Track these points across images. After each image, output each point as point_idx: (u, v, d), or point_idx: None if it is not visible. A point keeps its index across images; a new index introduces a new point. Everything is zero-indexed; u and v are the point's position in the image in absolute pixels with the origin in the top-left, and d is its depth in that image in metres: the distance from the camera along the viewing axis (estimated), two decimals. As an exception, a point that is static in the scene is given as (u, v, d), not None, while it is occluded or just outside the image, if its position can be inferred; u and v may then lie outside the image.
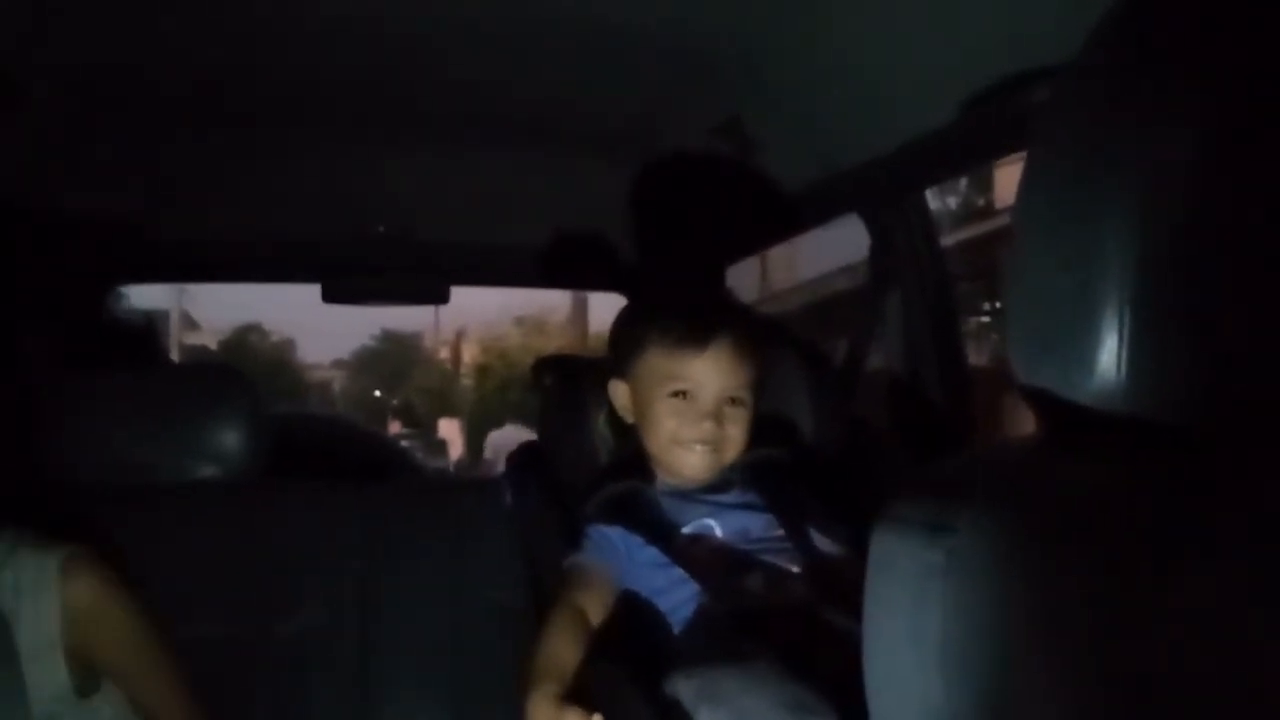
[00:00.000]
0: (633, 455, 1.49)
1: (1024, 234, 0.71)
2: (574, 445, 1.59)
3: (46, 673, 1.24)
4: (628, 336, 1.50)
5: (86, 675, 1.28)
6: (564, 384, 1.62)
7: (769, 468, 1.48)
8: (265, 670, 1.56)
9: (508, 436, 10.75)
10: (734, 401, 1.43)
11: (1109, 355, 0.64)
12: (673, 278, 2.40)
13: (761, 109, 1.82)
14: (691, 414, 1.41)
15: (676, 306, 1.49)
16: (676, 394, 1.42)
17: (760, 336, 1.51)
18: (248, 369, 1.93)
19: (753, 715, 1.03)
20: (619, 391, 1.50)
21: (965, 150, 1.58)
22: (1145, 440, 0.65)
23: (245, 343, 25.03)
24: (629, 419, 1.50)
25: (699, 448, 1.41)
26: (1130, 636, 0.58)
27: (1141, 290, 0.63)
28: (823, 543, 1.39)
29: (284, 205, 2.38)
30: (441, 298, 2.70)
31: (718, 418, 1.41)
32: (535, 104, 1.95)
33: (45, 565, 1.27)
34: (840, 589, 1.27)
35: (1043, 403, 0.68)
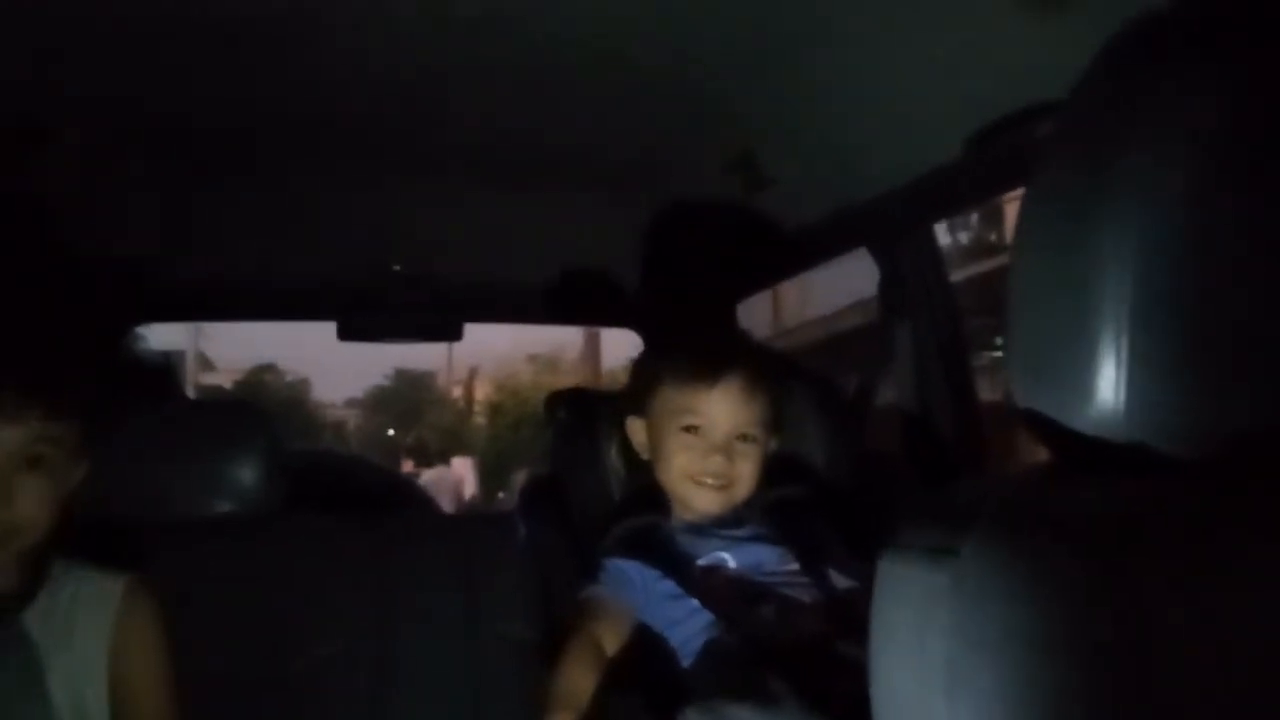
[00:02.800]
0: (648, 490, 1.51)
1: (1023, 263, 0.72)
2: (586, 478, 1.60)
3: (79, 692, 1.25)
4: (643, 373, 1.53)
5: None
6: (576, 417, 1.64)
7: (784, 504, 1.49)
8: (280, 705, 1.55)
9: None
10: (745, 438, 1.45)
11: (1108, 383, 0.65)
12: (683, 313, 2.41)
13: (772, 145, 1.83)
14: (701, 449, 1.43)
15: (690, 344, 1.52)
16: (688, 429, 1.44)
17: (773, 373, 1.52)
18: (264, 408, 1.94)
19: None
20: (636, 428, 1.53)
21: (973, 185, 1.59)
22: (1145, 467, 0.66)
23: (261, 382, 25.09)
24: (645, 455, 1.52)
25: (710, 482, 1.43)
26: (1135, 657, 0.59)
27: (1140, 319, 0.64)
28: (838, 577, 1.40)
29: (299, 244, 2.41)
30: (455, 334, 2.72)
31: (728, 453, 1.43)
32: (547, 142, 1.97)
33: (111, 583, 1.31)
34: (855, 622, 1.27)
35: (1043, 430, 0.69)
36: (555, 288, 2.54)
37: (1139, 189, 0.64)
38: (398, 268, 2.51)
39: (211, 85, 1.67)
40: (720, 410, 1.43)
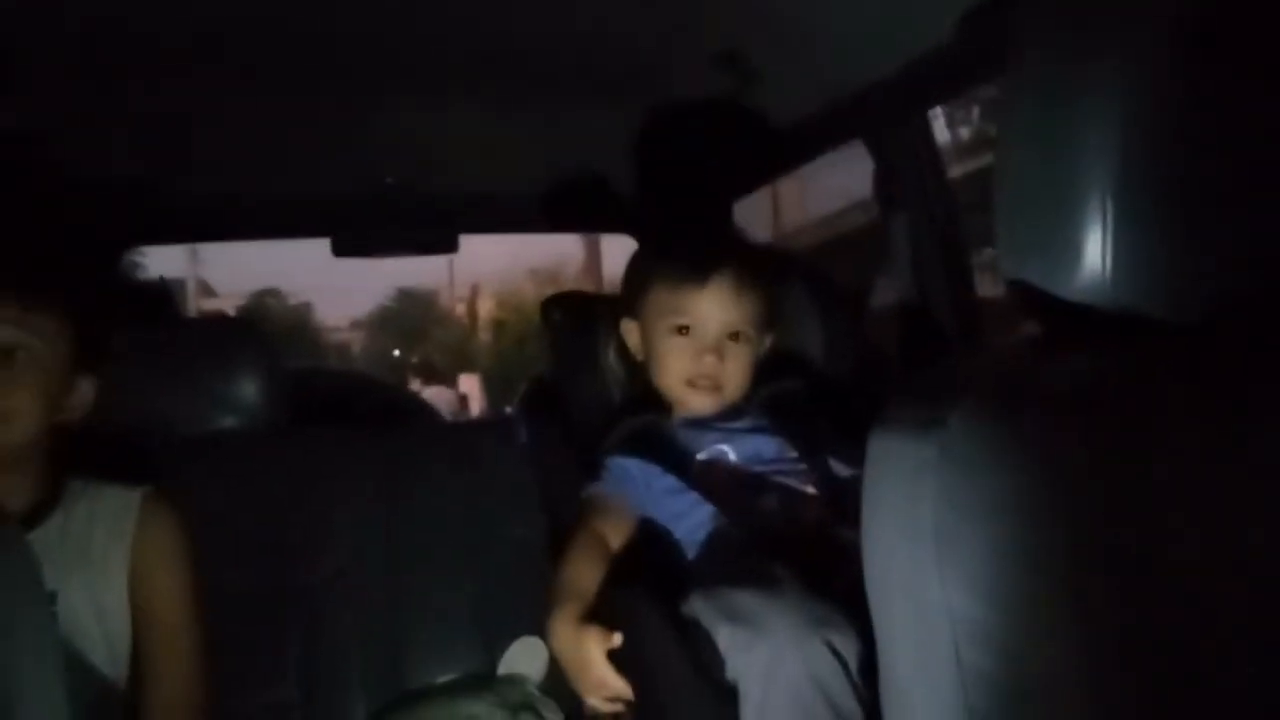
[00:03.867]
0: (647, 389, 1.51)
1: (1008, 134, 0.72)
2: (585, 381, 1.61)
3: (105, 605, 1.28)
4: (635, 276, 1.53)
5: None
6: (573, 321, 1.64)
7: (783, 397, 1.50)
8: (291, 617, 1.58)
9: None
10: (736, 337, 1.45)
11: (1093, 250, 0.65)
12: (679, 216, 2.39)
13: (759, 38, 1.80)
14: (693, 349, 1.43)
15: (680, 244, 1.52)
16: (679, 329, 1.44)
17: (768, 271, 1.52)
18: (267, 332, 1.94)
19: (772, 632, 1.05)
20: (629, 330, 1.53)
21: (967, 68, 1.56)
22: (1132, 332, 0.66)
23: (263, 307, 25.06)
24: (640, 357, 1.52)
25: (703, 383, 1.43)
26: (1122, 518, 0.59)
27: (1123, 183, 0.64)
28: (837, 466, 1.41)
29: (290, 160, 2.39)
30: (450, 246, 2.70)
31: (719, 352, 1.43)
32: (534, 48, 1.94)
33: (128, 498, 1.33)
34: (853, 509, 1.28)
35: (1031, 300, 0.69)
36: (550, 196, 2.52)
37: (1118, 54, 0.63)
38: (390, 180, 2.49)
39: (201, 1, 1.64)
40: (710, 310, 1.44)
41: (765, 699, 1.04)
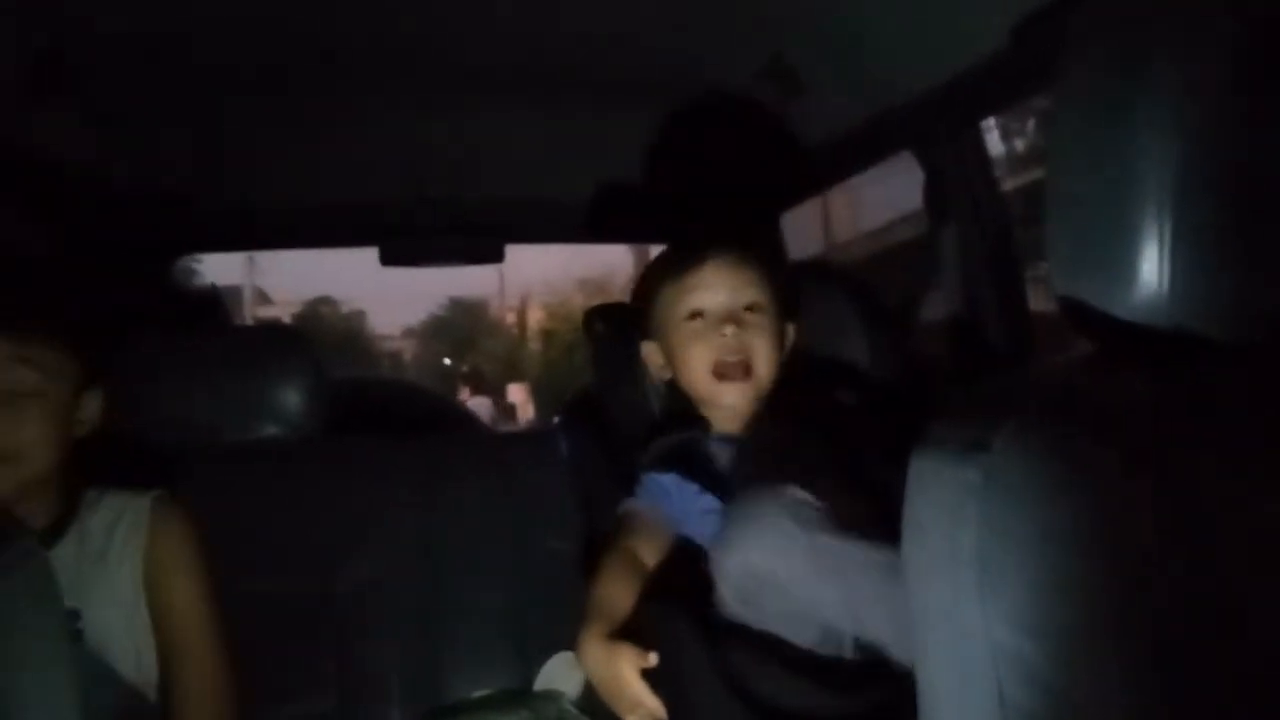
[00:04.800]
0: (687, 404, 1.49)
1: (1060, 147, 0.69)
2: (626, 393, 1.59)
3: (130, 615, 1.28)
4: (641, 291, 1.52)
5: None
6: (615, 332, 1.62)
7: (830, 413, 1.47)
8: (328, 623, 1.59)
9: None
10: (753, 309, 1.42)
11: (1150, 266, 0.62)
12: (723, 227, 2.37)
13: (805, 48, 1.78)
14: (711, 329, 1.41)
15: (672, 244, 1.53)
16: (692, 316, 1.42)
17: (768, 251, 1.51)
18: (321, 340, 1.95)
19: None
20: (650, 351, 1.51)
21: (1020, 77, 1.53)
22: (1189, 352, 0.63)
23: (317, 315, 25.45)
24: (665, 375, 1.50)
25: (730, 370, 1.40)
26: (1175, 549, 0.56)
27: (1183, 199, 0.61)
28: (881, 484, 1.38)
29: (338, 170, 2.40)
30: (496, 256, 2.70)
31: (736, 321, 1.40)
32: (580, 55, 1.94)
33: (139, 506, 1.33)
34: (897, 530, 1.25)
35: (1084, 317, 0.66)
36: (596, 205, 2.51)
37: (1175, 69, 0.61)
38: (436, 191, 2.49)
39: (243, 11, 1.66)
40: (717, 283, 1.42)
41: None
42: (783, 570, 1.07)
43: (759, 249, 1.50)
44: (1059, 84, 0.69)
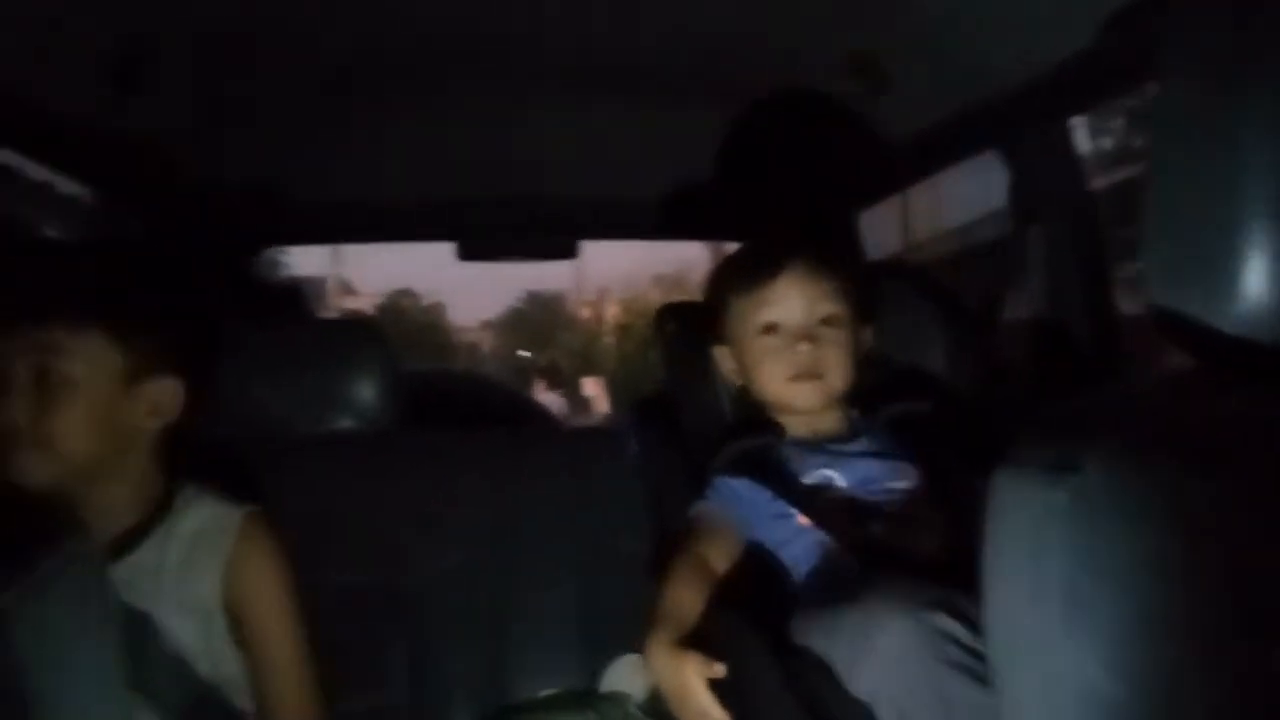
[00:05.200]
0: (759, 410, 1.47)
1: (1159, 155, 0.65)
2: (697, 393, 1.57)
3: (204, 624, 1.28)
4: (713, 297, 1.49)
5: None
6: (686, 332, 1.60)
7: (908, 418, 1.44)
8: (398, 618, 1.59)
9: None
10: (828, 322, 1.39)
11: (1256, 277, 0.58)
12: (799, 227, 2.33)
13: (890, 42, 1.74)
14: (785, 343, 1.38)
15: (743, 249, 1.51)
16: (766, 329, 1.40)
17: (844, 258, 1.46)
18: (401, 331, 1.96)
19: (901, 636, 0.99)
20: (723, 356, 1.49)
21: (1111, 74, 1.47)
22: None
23: (398, 306, 25.85)
24: (738, 382, 1.48)
25: (803, 376, 1.38)
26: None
27: None
28: (963, 495, 1.34)
29: (417, 164, 2.42)
30: (570, 252, 2.70)
31: (812, 338, 1.37)
32: (660, 50, 1.93)
33: (230, 519, 1.31)
34: (977, 544, 1.21)
35: (1181, 330, 0.62)
36: (671, 202, 2.49)
37: None
38: (513, 187, 2.50)
39: (329, 8, 1.67)
40: (791, 295, 1.39)
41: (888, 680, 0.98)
42: (903, 701, 0.99)
43: (835, 251, 1.47)
44: (1160, 79, 0.65)
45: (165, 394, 1.28)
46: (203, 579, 1.28)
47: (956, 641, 0.97)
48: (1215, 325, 0.60)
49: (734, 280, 1.45)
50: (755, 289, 1.41)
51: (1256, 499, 0.54)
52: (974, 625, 0.96)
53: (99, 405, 1.22)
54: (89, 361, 1.21)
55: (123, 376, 1.24)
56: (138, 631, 1.22)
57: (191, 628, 1.26)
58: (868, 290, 1.48)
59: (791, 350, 1.38)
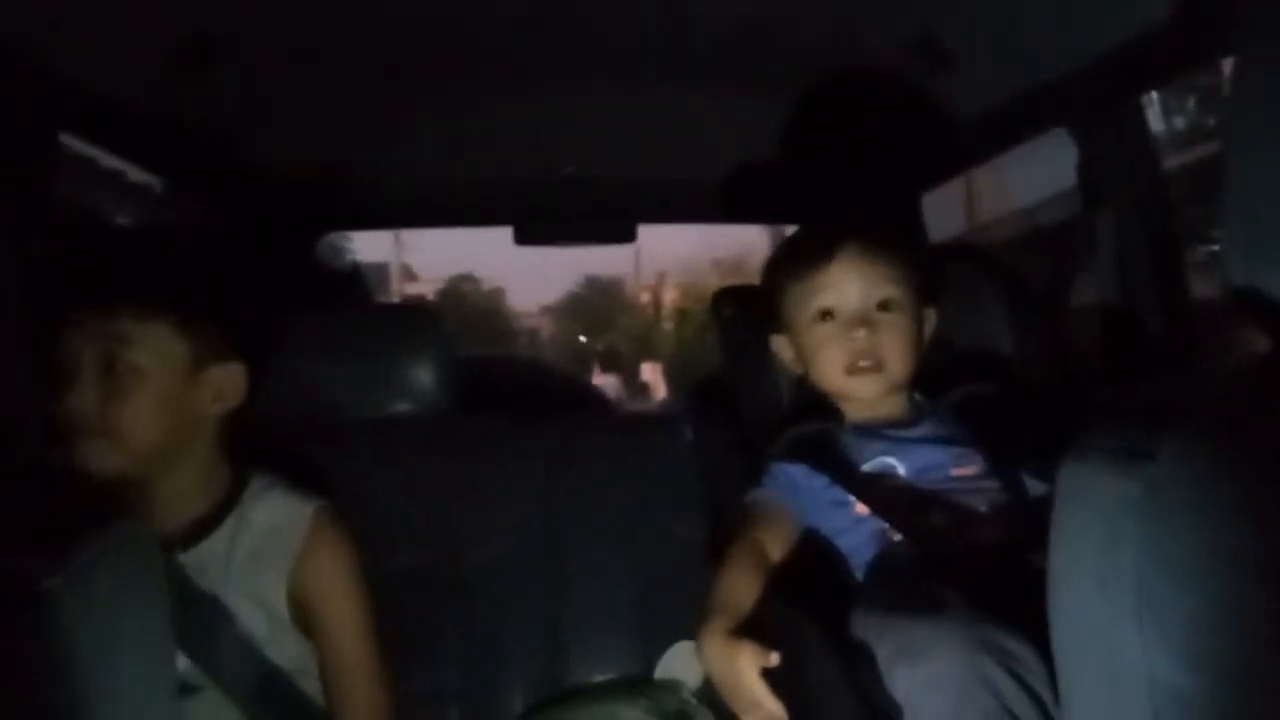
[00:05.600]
0: (818, 396, 1.44)
1: (1242, 123, 0.62)
2: (754, 378, 1.55)
3: (269, 615, 1.29)
4: (769, 284, 1.47)
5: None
6: (743, 316, 1.58)
7: (972, 402, 1.40)
8: (455, 599, 1.60)
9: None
10: (885, 306, 1.36)
11: None
12: (864, 206, 2.30)
13: (953, 19, 1.70)
14: (842, 331, 1.35)
15: (797, 234, 1.47)
16: (822, 316, 1.37)
17: (903, 238, 1.43)
18: (462, 317, 1.97)
19: (938, 654, 0.96)
20: (781, 345, 1.47)
21: (1185, 50, 1.42)
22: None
23: (459, 291, 26.11)
24: (798, 370, 1.45)
25: (862, 364, 1.35)
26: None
27: None
28: (1030, 482, 1.31)
29: (475, 149, 2.43)
30: (628, 236, 2.69)
31: (868, 324, 1.34)
32: (721, 33, 1.91)
33: (302, 514, 1.32)
34: (1042, 534, 1.18)
35: (1263, 313, 0.59)
36: (729, 185, 2.47)
37: None
38: (570, 171, 2.50)
39: None
40: (846, 281, 1.36)
41: None
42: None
43: (895, 233, 1.44)
44: (1238, 54, 0.62)
45: (229, 379, 1.28)
46: (268, 574, 1.28)
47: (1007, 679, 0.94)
48: None
49: (789, 265, 1.42)
50: (810, 274, 1.38)
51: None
52: (1022, 669, 0.94)
53: (166, 394, 1.23)
54: (156, 350, 1.22)
55: (188, 364, 1.25)
56: (207, 615, 1.24)
57: (256, 616, 1.27)
58: (931, 274, 1.44)
59: (848, 337, 1.35)
